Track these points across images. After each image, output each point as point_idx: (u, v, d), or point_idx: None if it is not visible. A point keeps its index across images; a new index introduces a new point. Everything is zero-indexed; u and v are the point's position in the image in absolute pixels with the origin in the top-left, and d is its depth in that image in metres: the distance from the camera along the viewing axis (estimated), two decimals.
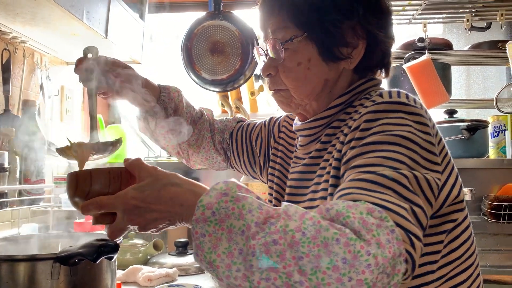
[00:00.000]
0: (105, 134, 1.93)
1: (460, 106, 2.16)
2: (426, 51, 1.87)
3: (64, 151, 0.80)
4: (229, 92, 2.07)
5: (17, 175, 1.50)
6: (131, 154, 2.07)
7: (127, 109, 1.06)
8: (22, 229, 1.50)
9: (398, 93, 0.75)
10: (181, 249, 1.65)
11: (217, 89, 1.93)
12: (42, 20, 1.44)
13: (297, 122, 0.93)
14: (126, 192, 0.68)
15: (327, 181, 0.79)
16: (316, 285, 0.54)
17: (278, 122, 1.05)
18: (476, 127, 1.92)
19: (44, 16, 1.40)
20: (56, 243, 1.05)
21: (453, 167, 0.77)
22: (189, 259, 1.59)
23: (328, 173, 0.79)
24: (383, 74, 0.89)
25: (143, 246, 1.65)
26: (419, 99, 1.58)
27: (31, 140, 1.50)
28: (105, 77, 0.87)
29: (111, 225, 0.70)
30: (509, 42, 1.85)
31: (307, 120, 0.88)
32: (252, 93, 2.10)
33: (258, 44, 1.80)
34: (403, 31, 2.14)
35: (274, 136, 1.03)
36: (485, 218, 1.91)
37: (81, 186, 0.71)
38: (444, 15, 1.92)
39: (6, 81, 1.54)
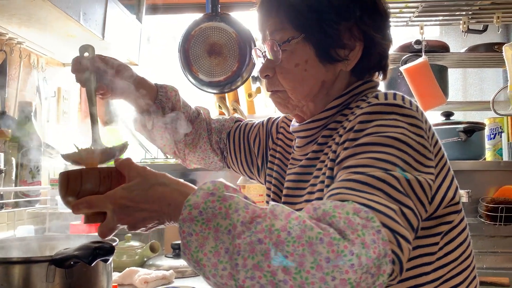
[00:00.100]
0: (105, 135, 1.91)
1: (457, 108, 2.17)
2: (423, 53, 1.88)
3: (70, 157, 0.79)
4: (226, 94, 2.07)
5: (13, 177, 1.49)
6: (128, 155, 2.06)
7: (123, 109, 1.06)
8: (18, 231, 1.49)
9: (394, 95, 0.75)
10: (178, 251, 1.65)
11: (215, 91, 1.93)
12: (38, 21, 1.43)
13: (294, 124, 0.93)
14: (116, 192, 0.69)
15: (323, 182, 0.79)
16: (300, 284, 0.54)
17: (276, 122, 1.05)
18: (473, 129, 1.92)
19: (41, 17, 1.39)
20: (52, 245, 1.04)
21: (449, 169, 0.77)
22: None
23: (324, 174, 0.79)
24: (381, 77, 0.89)
25: (140, 248, 1.64)
26: (416, 101, 1.58)
27: (27, 142, 1.49)
28: (102, 76, 0.87)
29: (101, 224, 0.70)
30: (505, 44, 1.86)
31: (304, 122, 0.88)
32: (250, 95, 2.10)
33: (255, 46, 1.80)
34: (400, 33, 2.15)
35: (272, 137, 1.03)
36: (482, 220, 1.91)
37: (72, 186, 0.72)
38: (441, 18, 1.93)
39: (2, 82, 1.53)
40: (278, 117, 1.07)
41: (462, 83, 2.43)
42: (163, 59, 2.35)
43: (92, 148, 0.80)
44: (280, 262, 0.55)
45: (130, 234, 1.67)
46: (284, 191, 0.91)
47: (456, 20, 1.92)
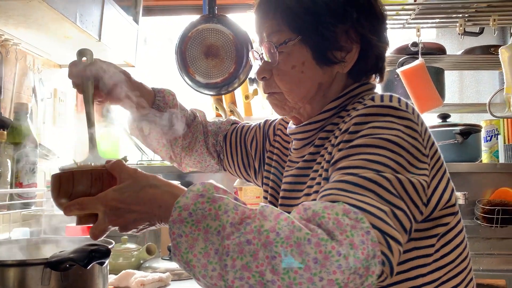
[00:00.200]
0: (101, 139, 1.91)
1: (453, 110, 2.17)
2: (420, 56, 1.88)
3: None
4: (223, 96, 2.07)
5: (9, 179, 1.48)
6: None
7: (120, 113, 1.05)
8: (13, 233, 1.48)
9: (390, 97, 0.75)
10: None
11: (211, 93, 1.93)
12: (35, 22, 1.43)
13: (291, 126, 0.93)
14: (107, 194, 0.70)
15: (319, 183, 0.79)
16: (288, 284, 0.55)
17: (273, 125, 1.05)
18: (469, 132, 1.93)
19: (37, 18, 1.39)
20: (47, 248, 1.04)
21: (445, 171, 0.77)
22: None
23: (321, 175, 0.79)
24: (378, 79, 0.89)
25: (136, 251, 1.64)
26: (412, 103, 1.59)
27: (23, 144, 1.48)
28: (99, 82, 0.86)
29: (92, 226, 0.71)
30: (501, 47, 1.86)
31: (301, 124, 0.88)
32: (247, 97, 2.10)
33: (252, 47, 1.80)
34: (397, 35, 2.15)
35: (270, 139, 1.03)
36: (478, 222, 1.92)
37: (64, 187, 0.72)
38: (437, 20, 1.93)
39: None
40: (275, 119, 1.07)
41: (458, 85, 2.43)
42: (160, 61, 2.34)
43: (91, 164, 0.79)
44: (268, 263, 0.56)
45: (126, 237, 1.67)
46: (281, 193, 0.90)
47: (453, 22, 1.93)
